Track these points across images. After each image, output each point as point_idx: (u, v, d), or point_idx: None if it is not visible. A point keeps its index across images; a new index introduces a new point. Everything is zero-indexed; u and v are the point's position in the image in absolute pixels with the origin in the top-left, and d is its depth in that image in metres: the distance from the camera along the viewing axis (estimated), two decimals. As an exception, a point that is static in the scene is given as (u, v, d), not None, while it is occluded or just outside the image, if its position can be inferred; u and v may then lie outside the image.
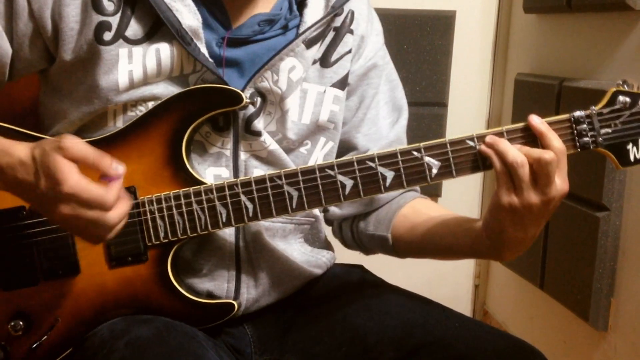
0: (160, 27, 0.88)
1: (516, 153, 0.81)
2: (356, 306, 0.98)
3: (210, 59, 0.89)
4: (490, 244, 0.87)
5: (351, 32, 0.99)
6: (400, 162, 0.85)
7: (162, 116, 0.88)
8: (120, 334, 0.82)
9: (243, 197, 0.86)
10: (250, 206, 0.87)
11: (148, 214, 0.87)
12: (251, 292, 0.96)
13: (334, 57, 0.97)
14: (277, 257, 0.97)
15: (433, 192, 1.91)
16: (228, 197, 0.87)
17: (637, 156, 0.85)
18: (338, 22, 0.98)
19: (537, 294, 1.66)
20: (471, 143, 0.85)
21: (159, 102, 0.89)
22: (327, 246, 1.09)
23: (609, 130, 0.85)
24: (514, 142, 0.83)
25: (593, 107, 0.85)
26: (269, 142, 0.93)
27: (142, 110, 0.89)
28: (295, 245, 1.00)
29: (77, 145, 0.76)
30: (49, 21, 0.87)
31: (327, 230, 1.11)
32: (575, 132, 0.85)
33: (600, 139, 0.85)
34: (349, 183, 0.86)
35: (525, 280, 1.71)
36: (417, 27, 1.83)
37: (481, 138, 0.85)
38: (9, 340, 0.88)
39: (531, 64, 1.76)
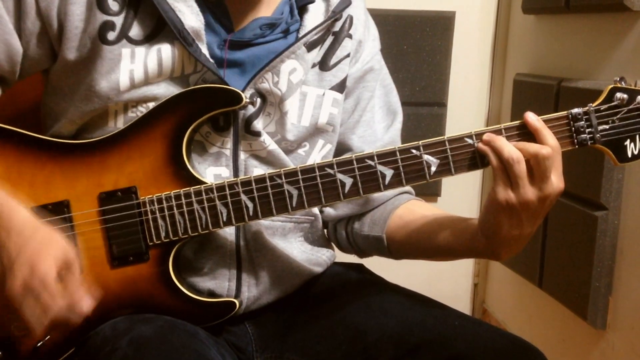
0: (163, 27, 0.89)
1: (512, 149, 0.81)
2: (356, 305, 0.98)
3: (211, 60, 0.90)
4: (486, 242, 0.87)
5: (350, 36, 1.00)
6: (399, 160, 0.86)
7: (163, 116, 0.89)
8: (122, 332, 0.82)
9: (243, 197, 0.87)
10: (250, 205, 0.87)
11: (149, 213, 0.87)
12: (252, 291, 0.96)
13: (332, 61, 0.98)
14: (277, 256, 0.97)
15: (432, 192, 1.92)
16: (228, 197, 0.87)
17: (635, 152, 0.86)
18: (337, 26, 0.98)
19: (535, 293, 1.66)
20: (469, 141, 0.85)
21: (160, 102, 0.89)
22: (327, 244, 1.09)
23: (607, 126, 0.85)
24: (511, 140, 0.84)
25: (590, 104, 0.85)
26: (269, 142, 0.94)
27: (142, 110, 0.90)
28: (295, 244, 1.00)
29: (73, 268, 0.79)
30: (55, 19, 0.88)
31: (327, 229, 1.11)
32: (573, 128, 0.85)
33: (598, 135, 0.85)
34: (348, 181, 0.86)
35: (524, 279, 1.71)
36: (417, 27, 1.83)
37: (479, 135, 0.85)
38: (12, 339, 0.88)
39: (530, 64, 1.76)
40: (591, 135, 0.85)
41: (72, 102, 0.91)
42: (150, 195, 0.88)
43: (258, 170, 0.93)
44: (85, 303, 0.80)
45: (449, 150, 0.86)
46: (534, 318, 1.75)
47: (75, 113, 0.91)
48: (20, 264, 0.77)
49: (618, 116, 0.85)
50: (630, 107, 0.85)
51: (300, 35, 0.94)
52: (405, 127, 1.87)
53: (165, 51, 0.89)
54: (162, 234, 0.88)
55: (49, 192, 0.88)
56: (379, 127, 1.05)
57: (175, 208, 0.87)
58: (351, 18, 1.00)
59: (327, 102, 0.98)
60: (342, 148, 1.04)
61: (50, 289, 0.77)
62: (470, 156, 0.86)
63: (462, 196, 1.96)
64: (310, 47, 0.95)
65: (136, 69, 0.88)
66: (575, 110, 0.85)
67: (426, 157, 0.86)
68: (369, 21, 1.06)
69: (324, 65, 0.97)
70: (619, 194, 1.34)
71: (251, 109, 0.92)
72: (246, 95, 0.90)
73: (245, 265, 0.95)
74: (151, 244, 0.88)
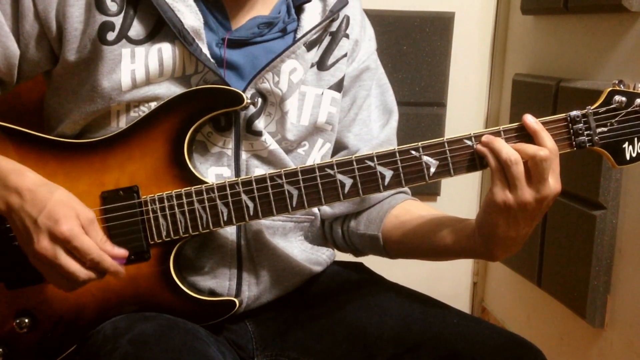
0: (162, 27, 0.89)
1: (510, 151, 0.82)
2: (356, 303, 0.99)
3: (212, 60, 0.90)
4: (483, 243, 0.88)
5: (347, 36, 1.00)
6: (399, 162, 0.86)
7: (165, 116, 0.89)
8: (123, 331, 0.82)
9: (244, 196, 0.87)
10: (251, 205, 0.87)
11: (151, 212, 0.88)
12: (252, 290, 0.97)
13: (330, 61, 0.98)
14: (277, 255, 0.97)
15: (432, 191, 1.92)
16: (229, 196, 0.87)
17: (633, 155, 0.86)
18: (334, 27, 0.99)
19: (534, 292, 1.67)
20: (468, 142, 0.86)
21: (162, 102, 0.89)
22: (327, 244, 1.09)
23: (605, 129, 0.85)
24: (510, 141, 0.84)
25: (589, 107, 0.86)
26: (270, 142, 0.94)
27: (144, 110, 0.90)
28: (296, 243, 1.00)
29: (95, 226, 0.82)
30: (54, 21, 0.88)
31: (327, 228, 1.11)
32: (572, 131, 0.85)
33: (596, 137, 0.85)
34: (348, 182, 0.87)
35: (523, 277, 1.72)
36: (417, 28, 1.83)
37: (478, 137, 0.85)
38: (14, 337, 0.89)
39: (529, 64, 1.76)
40: (589, 138, 0.85)
41: (75, 102, 0.91)
42: (152, 195, 0.88)
43: (259, 170, 0.94)
44: (119, 251, 0.83)
45: (448, 152, 0.86)
46: (533, 316, 1.76)
47: (78, 114, 0.91)
48: (44, 221, 0.79)
49: (616, 119, 0.85)
50: (629, 109, 0.85)
51: (298, 35, 0.94)
52: (405, 127, 1.87)
53: (166, 51, 0.89)
54: (163, 233, 0.88)
55: None
56: (375, 126, 1.06)
57: (176, 207, 0.88)
58: (348, 18, 1.01)
59: (326, 101, 0.98)
60: (338, 146, 1.04)
61: (79, 236, 0.80)
62: (469, 157, 0.86)
63: (461, 196, 1.96)
64: (310, 46, 0.95)
65: (137, 69, 0.88)
66: (574, 113, 0.85)
67: (425, 158, 0.86)
68: (364, 21, 1.06)
69: (321, 65, 0.98)
70: (617, 194, 1.35)
71: (252, 109, 0.93)
72: (247, 96, 0.90)
73: (246, 265, 0.96)
74: (152, 243, 0.88)
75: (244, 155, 0.94)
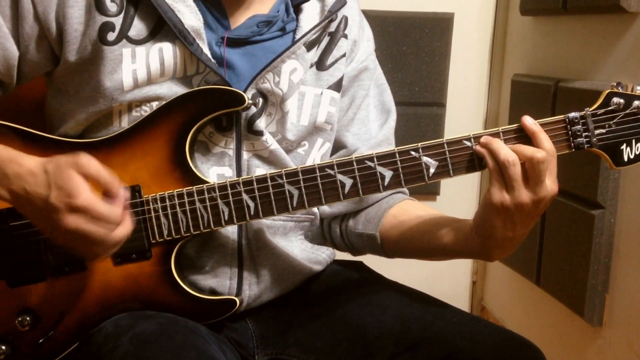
0: (162, 26, 0.89)
1: (508, 152, 0.82)
2: (356, 302, 0.99)
3: (212, 60, 0.90)
4: (480, 243, 0.88)
5: (345, 36, 1.00)
6: (399, 162, 0.87)
7: (167, 116, 0.89)
8: (124, 329, 0.83)
9: (245, 196, 0.88)
10: (252, 205, 0.88)
11: (152, 212, 0.88)
12: (253, 289, 0.97)
13: (329, 61, 0.99)
14: (278, 255, 0.98)
15: (431, 191, 1.93)
16: (230, 196, 0.88)
17: (631, 156, 0.86)
18: (333, 27, 0.99)
19: (533, 290, 1.67)
20: (468, 143, 0.86)
21: (164, 102, 0.90)
22: (326, 243, 1.10)
23: (603, 130, 0.86)
24: (509, 142, 0.84)
25: (587, 109, 0.86)
26: (271, 142, 0.94)
27: (146, 110, 0.90)
28: (296, 243, 1.01)
29: (92, 163, 0.78)
30: (54, 23, 0.88)
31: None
32: (570, 132, 0.86)
33: (595, 139, 0.86)
34: (348, 182, 0.87)
35: (521, 276, 1.72)
36: (417, 29, 1.84)
37: (477, 138, 0.86)
38: (16, 335, 0.89)
39: (527, 65, 1.77)
40: (588, 139, 0.86)
41: (77, 103, 0.92)
42: (154, 194, 0.88)
43: (260, 170, 0.94)
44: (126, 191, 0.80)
45: (447, 152, 0.86)
46: (532, 315, 1.76)
47: (80, 114, 0.91)
48: (57, 198, 0.77)
49: (614, 120, 0.85)
50: (627, 111, 0.85)
51: (298, 35, 0.95)
52: (405, 127, 1.87)
53: (167, 51, 0.89)
54: (165, 232, 0.88)
55: None
56: (373, 125, 1.06)
57: (178, 207, 0.88)
58: (346, 19, 1.01)
59: (325, 101, 0.98)
60: (336, 145, 1.04)
61: (97, 203, 0.77)
62: (468, 158, 0.86)
63: (460, 195, 1.97)
64: (309, 47, 0.96)
65: (139, 69, 0.88)
66: (573, 114, 0.86)
67: (425, 158, 0.86)
68: (363, 21, 1.07)
69: (320, 65, 0.98)
70: (615, 193, 1.35)
71: (253, 109, 0.93)
72: (248, 96, 0.91)
73: (247, 264, 0.96)
74: (154, 242, 0.89)
75: (245, 155, 0.94)
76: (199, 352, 0.80)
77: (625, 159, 0.87)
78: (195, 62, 0.91)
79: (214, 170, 0.93)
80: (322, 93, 0.98)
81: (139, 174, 0.89)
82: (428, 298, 1.00)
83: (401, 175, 0.87)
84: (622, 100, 0.85)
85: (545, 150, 0.82)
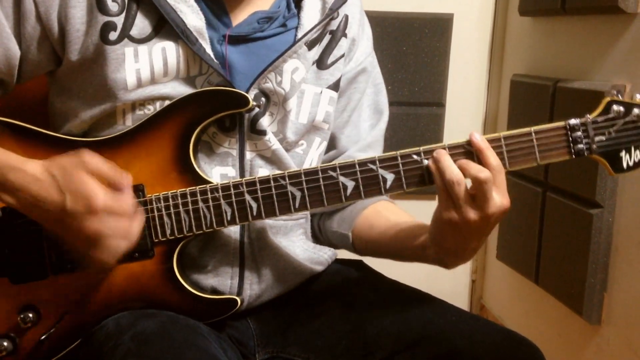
0: (164, 24, 0.89)
1: (454, 171, 0.81)
2: (356, 301, 0.99)
3: (215, 60, 0.90)
4: (435, 252, 0.89)
5: (345, 35, 1.00)
6: (401, 165, 0.87)
7: (171, 117, 0.90)
8: (125, 327, 0.83)
9: (247, 197, 0.88)
10: (254, 205, 0.88)
11: (155, 211, 0.88)
12: (254, 288, 0.97)
13: (330, 60, 0.99)
14: (280, 254, 0.98)
15: (431, 191, 1.93)
16: (233, 197, 0.88)
17: (630, 163, 0.87)
18: (334, 25, 0.99)
19: (532, 289, 1.68)
20: (467, 147, 0.85)
21: (168, 103, 0.90)
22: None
23: (603, 137, 0.86)
24: (457, 157, 0.83)
25: (588, 116, 0.87)
26: (273, 142, 0.94)
27: (150, 109, 0.91)
28: (298, 243, 1.01)
29: (95, 159, 0.78)
30: (56, 23, 0.88)
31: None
32: (571, 139, 0.86)
33: (595, 146, 0.86)
34: (350, 184, 0.87)
35: (520, 275, 1.72)
36: (416, 29, 1.84)
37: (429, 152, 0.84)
38: (18, 331, 0.90)
39: (526, 65, 1.77)
40: (588, 146, 0.86)
41: (80, 102, 0.92)
42: (157, 194, 0.89)
43: (263, 170, 0.94)
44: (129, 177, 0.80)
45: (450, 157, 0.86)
46: (531, 313, 1.77)
47: (84, 113, 0.91)
48: (75, 202, 0.76)
49: (614, 128, 0.86)
50: (627, 119, 0.86)
51: (299, 34, 0.95)
52: (404, 127, 1.88)
53: (170, 50, 0.89)
54: (168, 232, 0.89)
55: None
56: (364, 127, 1.07)
57: (180, 206, 0.88)
58: (347, 17, 1.01)
59: (324, 100, 0.99)
60: (329, 144, 1.04)
61: (113, 202, 0.77)
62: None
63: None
64: (310, 45, 0.96)
65: (142, 68, 0.89)
66: (573, 121, 0.86)
67: (427, 162, 0.86)
68: (364, 19, 1.06)
69: (321, 63, 0.98)
70: (613, 193, 1.35)
71: (256, 109, 0.93)
72: (251, 97, 0.91)
73: (248, 264, 0.96)
74: (156, 241, 0.89)
75: (248, 155, 0.94)
76: (199, 350, 0.80)
77: (625, 165, 0.87)
78: (198, 63, 0.91)
79: (217, 171, 0.93)
80: (321, 92, 0.98)
81: (143, 173, 0.89)
82: (427, 297, 1.00)
83: (403, 178, 0.87)
84: (622, 108, 0.86)
85: (492, 167, 0.81)
